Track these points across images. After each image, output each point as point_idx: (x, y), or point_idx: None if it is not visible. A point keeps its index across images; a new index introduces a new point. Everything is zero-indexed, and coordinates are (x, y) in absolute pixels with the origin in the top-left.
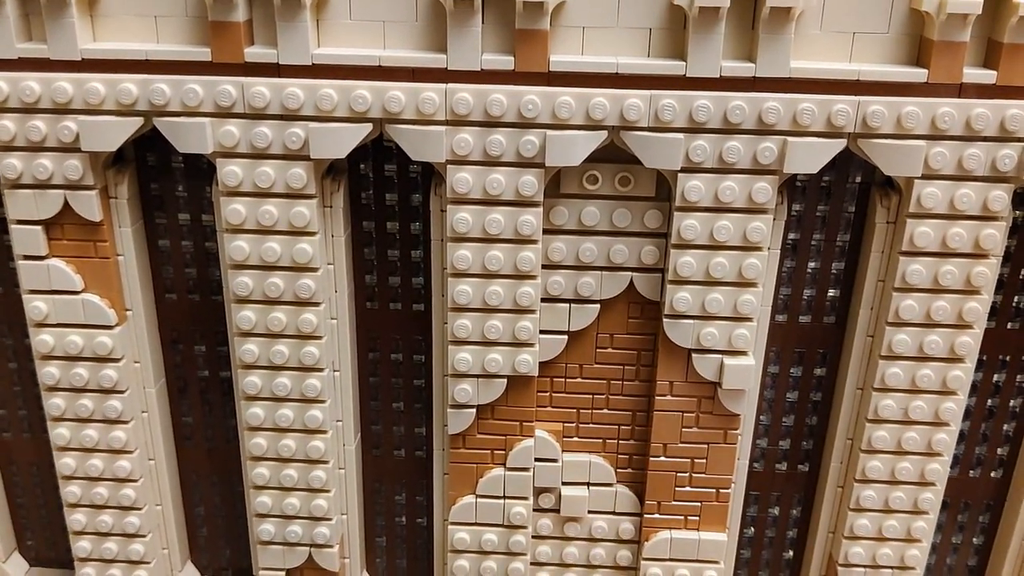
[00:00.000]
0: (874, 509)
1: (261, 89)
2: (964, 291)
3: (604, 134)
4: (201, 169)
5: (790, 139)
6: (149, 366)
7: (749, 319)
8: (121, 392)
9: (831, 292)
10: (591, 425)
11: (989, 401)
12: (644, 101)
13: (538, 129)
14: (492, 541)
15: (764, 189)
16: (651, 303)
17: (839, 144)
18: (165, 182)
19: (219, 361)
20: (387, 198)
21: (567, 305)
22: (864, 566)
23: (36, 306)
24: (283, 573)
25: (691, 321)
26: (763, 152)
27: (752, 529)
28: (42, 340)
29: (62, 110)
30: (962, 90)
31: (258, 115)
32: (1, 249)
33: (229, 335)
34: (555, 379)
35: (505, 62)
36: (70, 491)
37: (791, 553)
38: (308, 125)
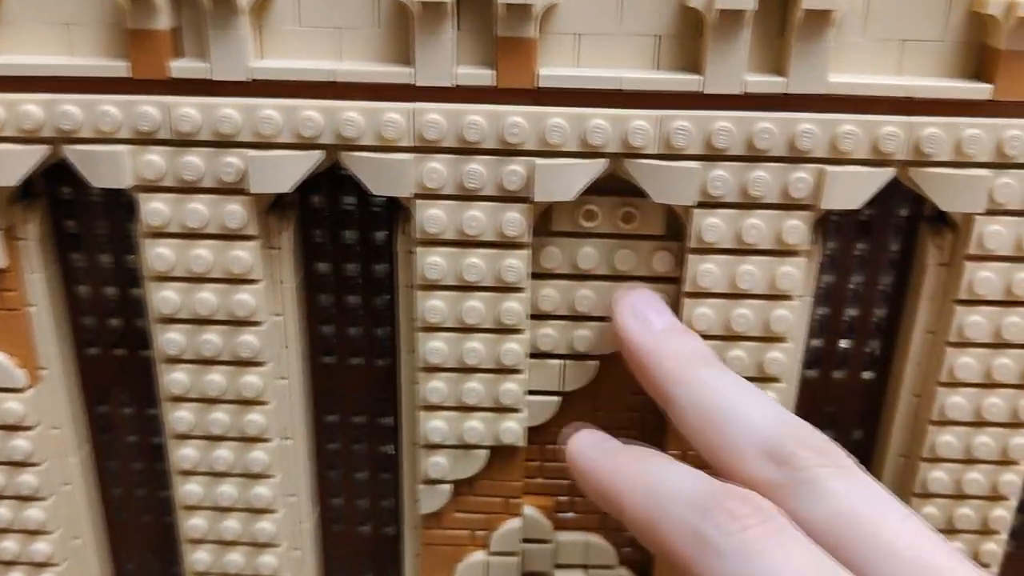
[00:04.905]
0: None
1: (189, 111)
2: None
3: (604, 163)
4: (123, 204)
5: (828, 168)
6: (71, 432)
7: (777, 379)
8: (36, 465)
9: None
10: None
11: None
12: (652, 123)
13: (524, 157)
14: None
15: (797, 228)
16: None
17: (887, 174)
18: (82, 219)
19: (151, 424)
20: (346, 236)
21: (560, 362)
22: None
23: None
24: None
25: None
26: (796, 184)
27: None
28: None
29: None
30: None
31: (186, 141)
32: None
33: (160, 399)
34: (546, 447)
35: (484, 76)
36: None
37: None
38: (246, 153)
